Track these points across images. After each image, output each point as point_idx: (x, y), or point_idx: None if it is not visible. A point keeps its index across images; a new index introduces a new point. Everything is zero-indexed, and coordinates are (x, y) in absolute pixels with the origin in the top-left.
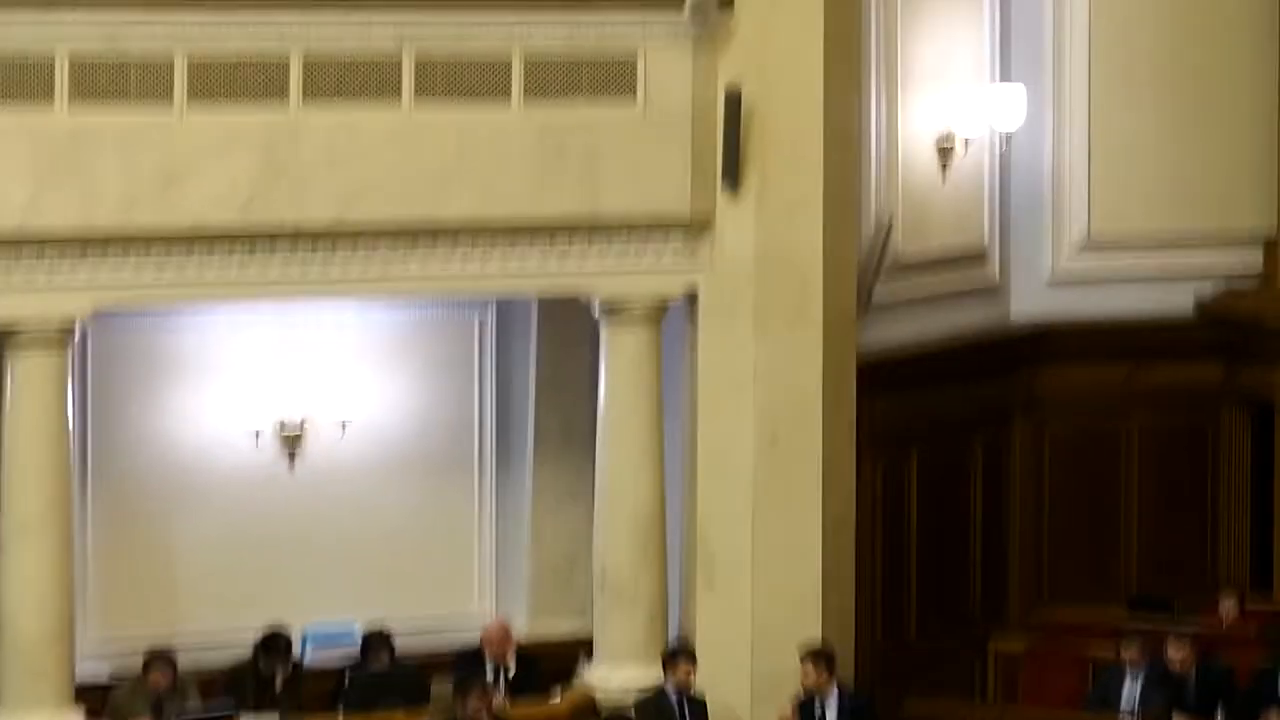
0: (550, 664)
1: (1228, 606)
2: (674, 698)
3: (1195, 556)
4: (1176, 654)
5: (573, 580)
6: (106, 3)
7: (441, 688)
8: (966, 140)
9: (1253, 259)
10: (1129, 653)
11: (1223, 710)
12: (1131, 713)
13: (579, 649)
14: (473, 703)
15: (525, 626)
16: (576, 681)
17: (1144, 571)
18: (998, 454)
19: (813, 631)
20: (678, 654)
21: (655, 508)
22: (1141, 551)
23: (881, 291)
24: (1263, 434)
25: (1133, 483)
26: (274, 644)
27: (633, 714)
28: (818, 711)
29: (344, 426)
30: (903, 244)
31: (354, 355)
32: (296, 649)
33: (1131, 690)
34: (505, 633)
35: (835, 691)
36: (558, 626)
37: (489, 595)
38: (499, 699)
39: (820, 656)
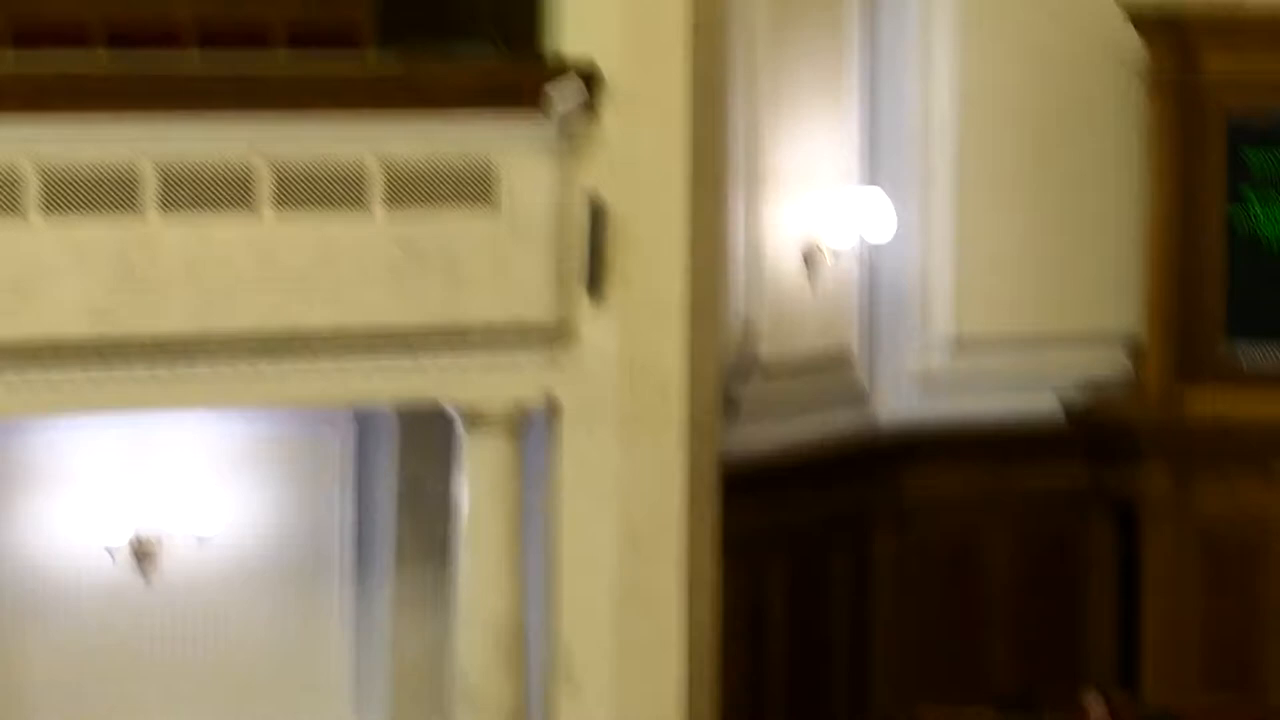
0: None
1: (1094, 706)
2: None
3: (1062, 658)
4: None
5: (433, 691)
6: None
7: None
8: (833, 250)
9: (1119, 361)
10: None
11: None
12: None
13: None
14: None
15: None
16: None
17: (1010, 674)
18: (863, 559)
19: None
20: None
21: (515, 616)
22: (1008, 654)
23: (746, 394)
24: (1128, 536)
25: (997, 584)
26: None
27: None
28: None
29: (201, 541)
30: (768, 346)
31: (211, 467)
32: None
33: None
34: None
35: None
36: None
37: (348, 707)
38: None
39: None
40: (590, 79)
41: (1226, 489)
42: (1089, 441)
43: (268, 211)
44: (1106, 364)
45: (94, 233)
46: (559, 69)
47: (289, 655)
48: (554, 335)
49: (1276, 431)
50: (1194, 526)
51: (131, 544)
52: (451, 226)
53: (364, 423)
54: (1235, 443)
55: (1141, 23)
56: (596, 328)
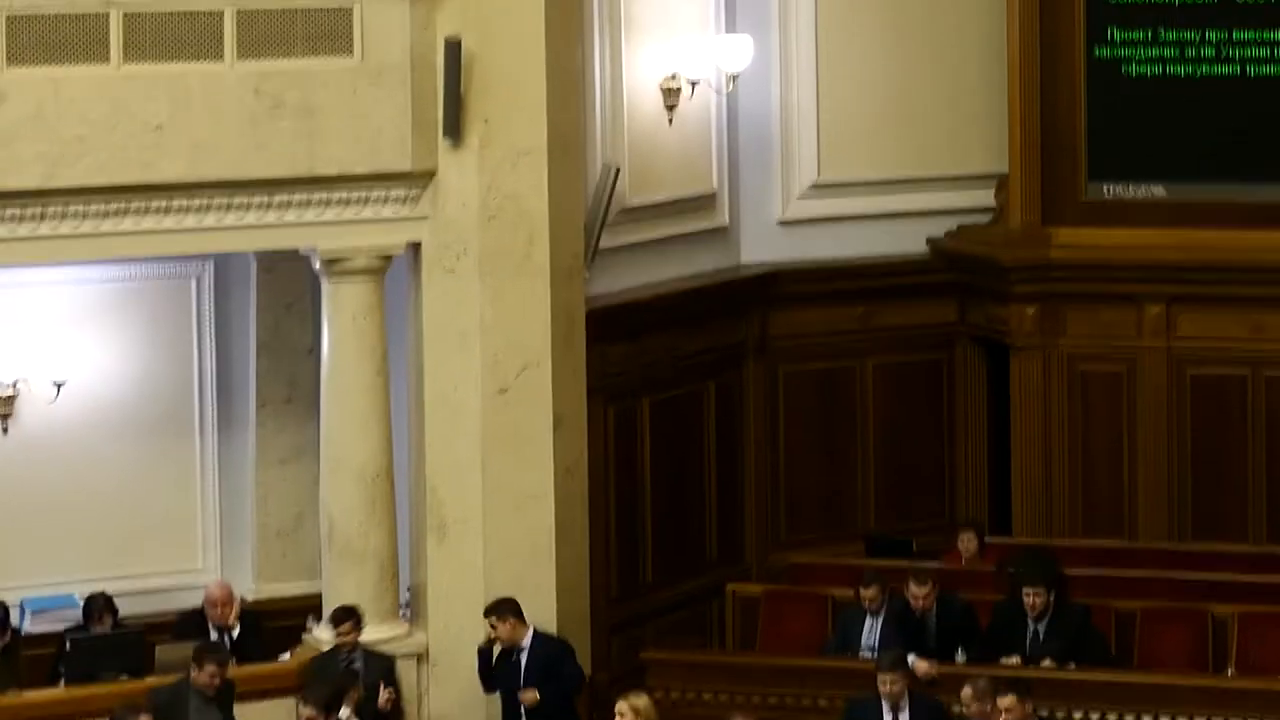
0: (279, 625)
1: (967, 543)
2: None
3: (933, 495)
4: (917, 592)
5: (300, 540)
6: None
7: (167, 652)
8: (693, 84)
9: (985, 198)
10: (868, 593)
11: (963, 648)
12: (872, 652)
13: (308, 609)
14: (208, 668)
15: (252, 588)
16: (307, 640)
17: (882, 512)
18: (731, 398)
19: (545, 581)
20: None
21: (382, 463)
22: (879, 492)
23: (610, 238)
24: (997, 371)
25: (868, 423)
26: None
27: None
28: (512, 659)
29: (58, 389)
30: (631, 190)
31: (68, 317)
32: (15, 617)
33: (871, 631)
34: (228, 594)
35: (528, 638)
36: (286, 587)
37: (214, 557)
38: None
39: (501, 607)
40: None
41: (1093, 324)
42: (956, 279)
43: (120, 61)
44: (974, 202)
45: None
46: None
47: (150, 505)
48: (414, 181)
49: (1140, 266)
50: (1062, 362)
51: None
52: (307, 72)
53: (223, 272)
54: (1100, 278)
55: None
56: (457, 172)
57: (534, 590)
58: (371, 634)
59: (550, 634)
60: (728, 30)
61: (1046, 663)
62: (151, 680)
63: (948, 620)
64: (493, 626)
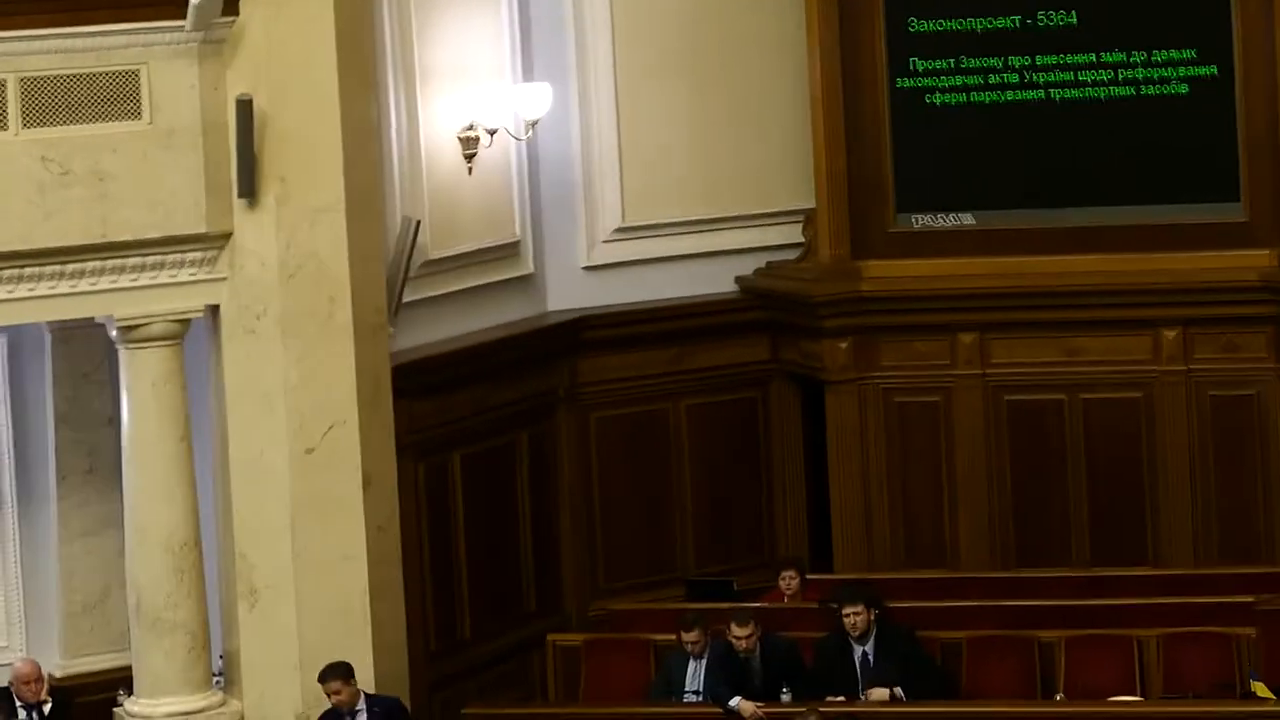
0: (90, 699)
1: (788, 581)
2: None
3: (753, 535)
4: (740, 634)
5: (107, 613)
6: None
7: None
8: (491, 132)
9: (794, 234)
10: (689, 636)
11: (789, 687)
12: (696, 696)
13: (119, 682)
14: None
15: (60, 664)
16: (118, 714)
17: (701, 554)
18: (544, 447)
19: (362, 643)
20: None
21: (189, 531)
22: (698, 534)
23: (414, 291)
24: (813, 406)
25: (684, 465)
26: None
27: None
28: None
29: None
30: (433, 242)
31: None
32: None
33: (695, 675)
34: (36, 671)
35: (363, 699)
36: (95, 661)
37: (19, 635)
38: None
39: (337, 670)
40: None
41: (907, 355)
42: (769, 318)
43: None
44: (783, 240)
45: None
46: None
47: None
48: (210, 243)
49: (952, 296)
50: (877, 395)
51: None
52: (96, 141)
53: (15, 341)
54: (913, 309)
55: None
56: (255, 232)
57: (350, 652)
58: (184, 704)
59: (380, 694)
60: (525, 78)
61: (877, 692)
62: None
63: (773, 659)
64: (337, 691)
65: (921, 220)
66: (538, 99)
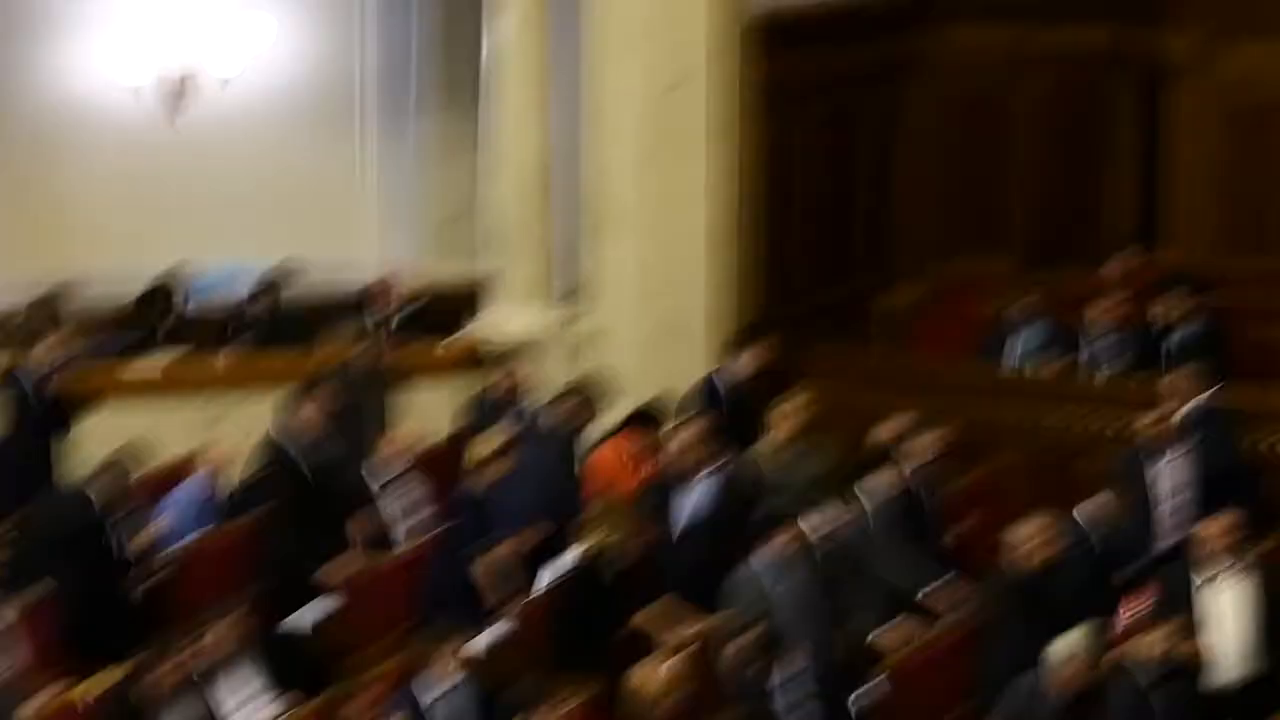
0: (440, 311)
1: (1114, 265)
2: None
3: (1084, 217)
4: (1106, 304)
5: (463, 231)
6: None
7: (334, 330)
8: None
9: None
10: (1027, 303)
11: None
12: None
13: (469, 296)
14: (368, 349)
15: (415, 273)
16: (468, 326)
17: (1032, 231)
18: (888, 112)
19: (697, 278)
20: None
21: (543, 158)
22: (1030, 211)
23: None
24: (1152, 94)
25: (1022, 143)
26: (152, 299)
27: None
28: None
29: (224, 81)
30: None
31: (236, 7)
32: (180, 299)
33: (1027, 342)
34: (392, 279)
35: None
36: (448, 274)
37: (377, 243)
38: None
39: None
40: None
41: (1248, 52)
42: (1115, 4)
43: None
44: None
45: None
46: None
47: (314, 192)
48: None
49: None
50: (1215, 87)
51: (157, 84)
52: None
53: None
54: (1258, 6)
55: None
56: None
57: (687, 288)
58: (532, 319)
59: None
60: None
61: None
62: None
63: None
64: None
65: None
66: None
